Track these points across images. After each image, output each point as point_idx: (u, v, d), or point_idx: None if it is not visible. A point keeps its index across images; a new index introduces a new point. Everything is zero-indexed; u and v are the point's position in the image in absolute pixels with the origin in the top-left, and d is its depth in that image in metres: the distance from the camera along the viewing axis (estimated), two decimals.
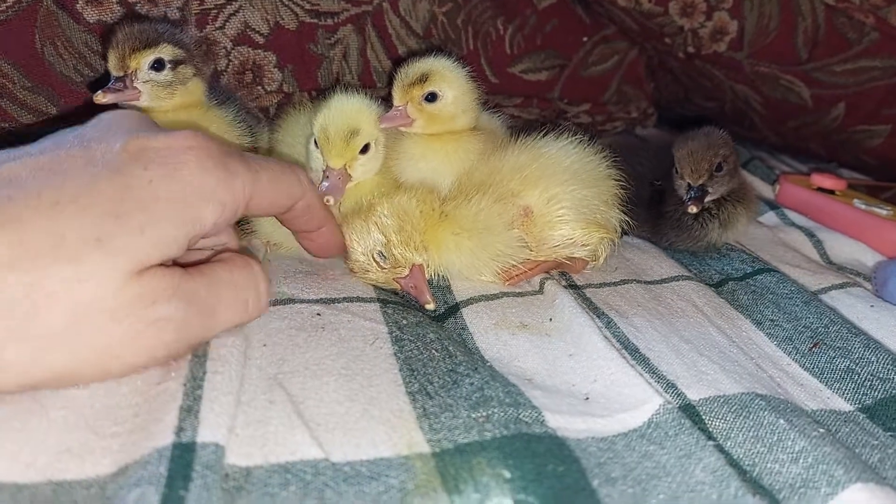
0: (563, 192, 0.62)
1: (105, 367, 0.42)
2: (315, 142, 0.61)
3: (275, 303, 0.55)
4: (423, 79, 0.63)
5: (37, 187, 0.40)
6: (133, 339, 0.42)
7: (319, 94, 0.81)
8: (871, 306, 0.63)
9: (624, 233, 0.76)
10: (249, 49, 0.79)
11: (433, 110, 0.63)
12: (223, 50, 0.78)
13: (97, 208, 0.41)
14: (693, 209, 0.68)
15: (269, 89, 0.81)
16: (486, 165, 0.64)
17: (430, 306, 0.60)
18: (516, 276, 0.63)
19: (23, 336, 0.39)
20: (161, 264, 0.43)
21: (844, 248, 0.77)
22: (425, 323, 0.55)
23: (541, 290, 0.63)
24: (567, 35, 0.95)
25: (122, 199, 0.41)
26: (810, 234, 0.80)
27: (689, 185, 0.69)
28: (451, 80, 0.64)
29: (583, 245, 0.64)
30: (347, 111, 0.62)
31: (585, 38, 0.96)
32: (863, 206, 0.79)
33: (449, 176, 0.64)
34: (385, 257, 0.59)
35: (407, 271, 0.60)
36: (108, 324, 0.41)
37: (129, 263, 0.41)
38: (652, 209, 0.74)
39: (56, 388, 0.42)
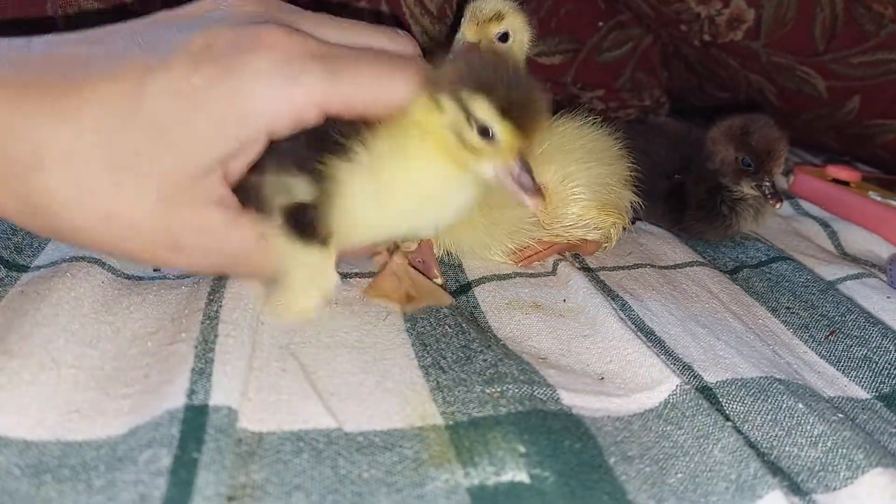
0: (578, 171, 0.62)
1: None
2: None
3: None
4: (499, 17, 0.62)
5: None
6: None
7: None
8: (888, 297, 0.62)
9: (637, 219, 0.75)
10: None
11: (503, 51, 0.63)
12: None
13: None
14: (780, 205, 0.66)
15: None
16: None
17: (438, 281, 0.59)
18: (529, 256, 0.62)
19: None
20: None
21: (859, 239, 0.76)
22: None
23: (554, 272, 0.62)
24: (582, 19, 0.94)
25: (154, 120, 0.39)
26: (825, 225, 0.79)
27: (766, 180, 0.67)
28: (521, 24, 0.64)
29: (596, 228, 0.63)
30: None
31: (601, 24, 0.95)
32: (878, 198, 0.79)
33: None
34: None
35: (415, 246, 0.59)
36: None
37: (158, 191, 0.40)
38: (671, 202, 0.73)
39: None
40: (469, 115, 0.43)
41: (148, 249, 0.42)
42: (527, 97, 0.43)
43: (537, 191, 0.44)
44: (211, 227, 0.42)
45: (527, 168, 0.44)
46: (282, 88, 0.41)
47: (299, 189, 0.44)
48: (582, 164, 0.62)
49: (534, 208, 0.45)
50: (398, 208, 0.46)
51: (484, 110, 0.42)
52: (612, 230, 0.65)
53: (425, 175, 0.46)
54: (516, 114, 0.42)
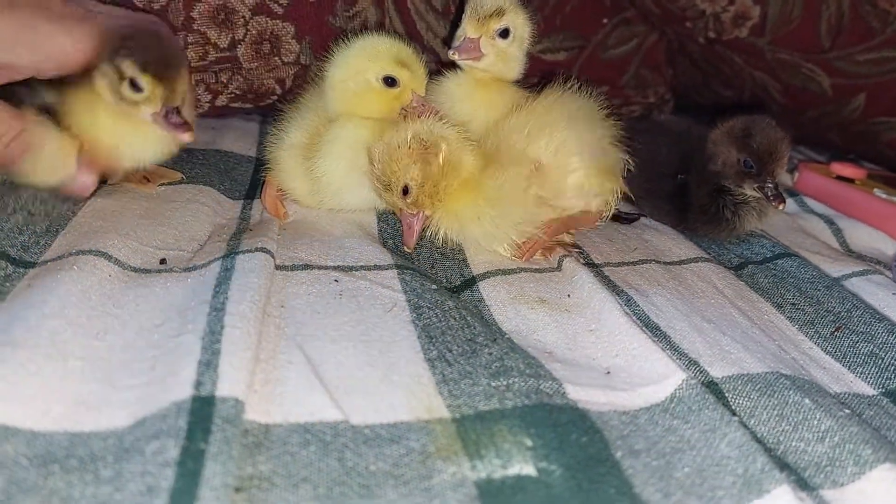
0: (570, 140, 0.62)
1: None
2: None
3: (292, 268, 0.54)
4: (499, 13, 0.63)
5: None
6: None
7: None
8: (894, 294, 0.62)
9: (642, 214, 0.75)
10: (268, 19, 0.78)
11: (503, 46, 0.64)
12: (241, 19, 0.77)
13: None
14: (783, 206, 0.66)
15: (286, 60, 0.80)
16: (496, 131, 0.64)
17: (408, 250, 0.62)
18: (531, 247, 0.62)
19: None
20: None
21: (864, 237, 0.76)
22: (443, 292, 0.54)
23: (559, 268, 0.62)
24: (587, 16, 0.94)
25: None
26: (829, 222, 0.79)
27: (769, 182, 0.66)
28: (521, 20, 0.65)
29: (596, 194, 0.64)
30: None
31: (605, 20, 0.95)
32: (883, 196, 0.79)
33: (484, 122, 0.65)
34: (408, 192, 0.59)
35: (414, 211, 0.60)
36: None
37: None
38: (675, 201, 0.72)
39: None
40: (122, 75, 0.54)
41: None
42: (161, 55, 0.56)
43: (184, 125, 0.57)
44: None
45: (173, 110, 0.56)
46: None
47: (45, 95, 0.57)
48: (571, 133, 0.62)
49: (184, 140, 0.58)
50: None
51: (130, 68, 0.54)
52: (611, 198, 0.65)
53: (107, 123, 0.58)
54: (154, 68, 0.55)
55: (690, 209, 0.71)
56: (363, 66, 0.62)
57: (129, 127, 0.58)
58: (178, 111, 0.57)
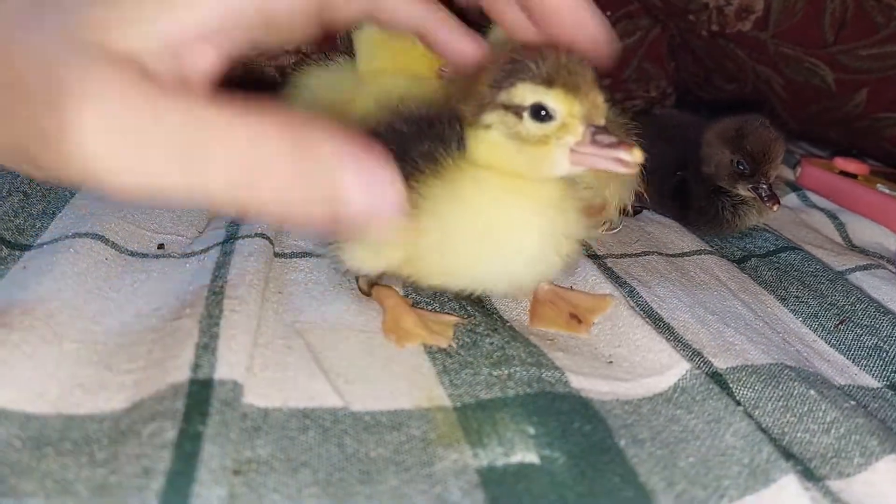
0: None
1: None
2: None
3: (291, 255, 0.54)
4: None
5: None
6: None
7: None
8: None
9: (644, 207, 0.74)
10: None
11: None
12: None
13: None
14: (777, 207, 0.65)
15: (286, 49, 0.80)
16: None
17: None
18: None
19: None
20: None
21: (867, 231, 0.76)
22: None
23: None
24: None
25: None
26: (832, 217, 0.78)
27: (762, 182, 0.65)
28: None
29: (587, 186, 0.59)
30: None
31: (608, 13, 0.94)
32: (886, 191, 0.78)
33: None
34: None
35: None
36: None
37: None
38: (677, 198, 0.72)
39: None
40: (516, 109, 0.38)
41: None
42: (563, 59, 0.38)
43: (625, 144, 0.37)
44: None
45: (601, 128, 0.38)
46: None
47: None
48: None
49: (634, 160, 0.37)
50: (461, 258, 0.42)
51: (528, 91, 0.38)
52: (607, 193, 0.64)
53: (486, 214, 0.40)
54: (562, 77, 0.37)
55: (690, 209, 0.71)
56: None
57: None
58: (606, 129, 0.38)
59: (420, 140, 0.40)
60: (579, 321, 0.50)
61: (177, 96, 0.28)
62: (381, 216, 0.31)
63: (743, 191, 0.67)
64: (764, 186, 0.65)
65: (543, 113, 0.38)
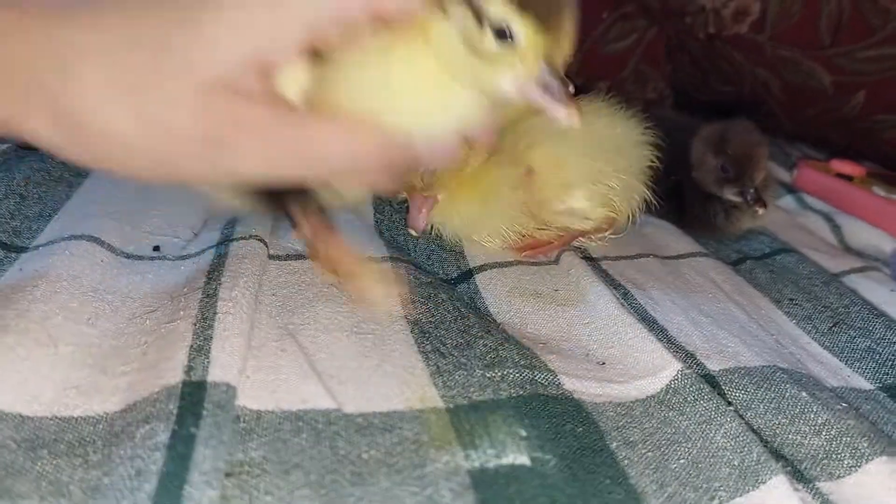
0: (571, 157, 0.60)
1: None
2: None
3: (285, 257, 0.54)
4: None
5: None
6: None
7: None
8: (892, 290, 0.62)
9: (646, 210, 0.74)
10: None
11: None
12: None
13: None
14: (763, 210, 0.65)
15: None
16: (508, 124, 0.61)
17: (415, 234, 0.59)
18: (532, 248, 0.62)
19: None
20: None
21: (862, 234, 0.76)
22: (437, 284, 0.53)
23: (556, 261, 0.61)
24: (586, 10, 0.93)
25: None
26: (828, 219, 0.79)
27: (747, 186, 0.66)
28: None
29: (585, 217, 0.61)
30: None
31: (605, 15, 0.94)
32: (882, 193, 0.78)
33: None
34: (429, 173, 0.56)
35: (427, 193, 0.58)
36: None
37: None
38: (673, 201, 0.71)
39: None
40: (481, 16, 0.35)
41: (190, 150, 0.37)
42: None
43: (570, 101, 0.36)
44: (252, 122, 0.37)
45: (555, 74, 0.36)
46: None
47: None
48: (575, 151, 0.60)
49: (568, 123, 0.37)
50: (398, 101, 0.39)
51: (500, 5, 0.35)
52: (616, 222, 0.64)
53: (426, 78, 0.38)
54: (538, 7, 0.35)
55: (685, 213, 0.71)
56: None
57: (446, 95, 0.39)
58: (561, 79, 0.37)
59: None
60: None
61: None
62: None
63: (730, 195, 0.67)
64: (750, 191, 0.65)
65: (507, 33, 0.35)
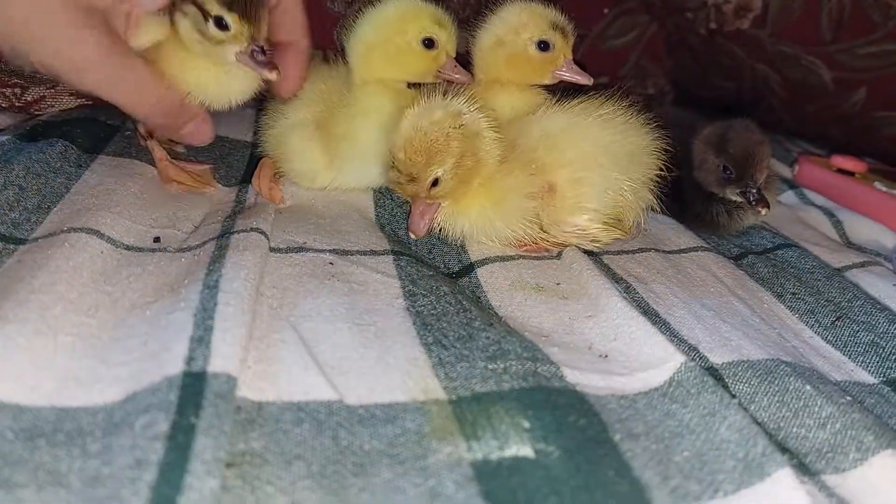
0: (591, 178, 0.59)
1: None
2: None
3: (286, 249, 0.53)
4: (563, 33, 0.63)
5: None
6: None
7: (337, 52, 0.79)
8: (894, 284, 0.62)
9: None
10: None
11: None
12: None
13: None
14: (766, 210, 0.65)
15: None
16: (516, 126, 0.61)
17: (415, 237, 0.60)
18: (533, 246, 0.61)
19: None
20: None
21: (864, 229, 0.76)
22: (439, 277, 0.53)
23: (558, 255, 0.61)
24: (587, 5, 0.93)
25: None
26: (829, 214, 0.78)
27: (750, 186, 0.65)
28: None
29: (593, 240, 0.61)
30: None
31: (606, 10, 0.94)
32: (883, 188, 0.78)
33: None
34: (438, 181, 0.56)
35: (430, 201, 0.58)
36: None
37: None
38: (675, 200, 0.71)
39: None
40: (206, 14, 0.54)
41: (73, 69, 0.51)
42: None
43: (272, 63, 0.56)
44: (95, 42, 0.51)
45: (260, 48, 0.55)
46: None
47: None
48: (596, 169, 0.59)
49: (271, 78, 0.56)
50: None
51: (215, 6, 0.53)
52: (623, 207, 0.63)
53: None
54: (239, 5, 0.53)
55: (687, 212, 0.71)
56: (403, 26, 0.60)
57: (211, 68, 0.57)
58: (262, 50, 0.55)
59: None
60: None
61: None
62: None
63: (732, 195, 0.67)
64: (752, 191, 0.65)
65: (223, 23, 0.54)
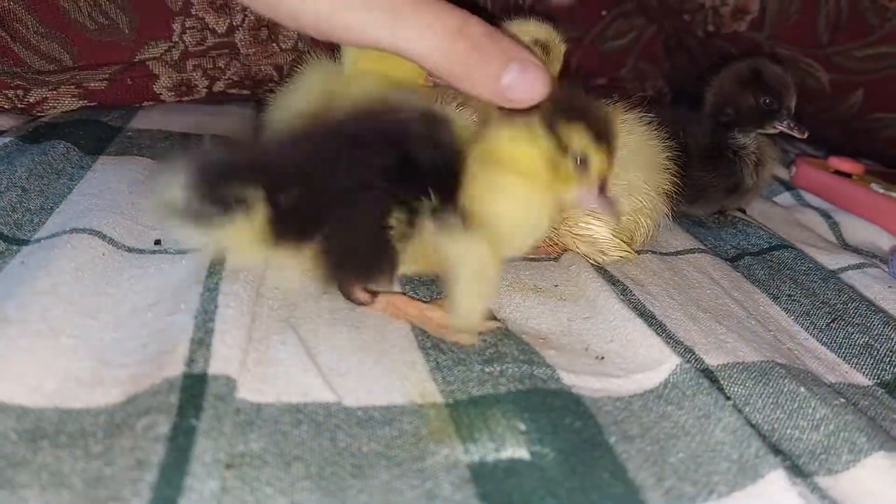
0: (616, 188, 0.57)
1: None
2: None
3: None
4: (545, 50, 0.62)
5: None
6: None
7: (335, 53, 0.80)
8: (889, 287, 0.62)
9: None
10: None
11: None
12: (239, 4, 0.77)
13: None
14: (806, 134, 0.67)
15: (283, 47, 0.80)
16: None
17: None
18: (539, 249, 0.61)
19: None
20: None
21: (860, 231, 0.76)
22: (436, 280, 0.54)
23: (556, 258, 0.62)
24: (585, 7, 0.93)
25: None
26: (826, 216, 0.79)
27: (787, 115, 0.67)
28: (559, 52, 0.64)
29: (602, 251, 0.61)
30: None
31: (604, 12, 0.94)
32: (880, 190, 0.78)
33: None
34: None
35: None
36: None
37: None
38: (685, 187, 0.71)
39: None
40: (565, 145, 0.45)
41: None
42: (609, 123, 0.46)
43: (615, 208, 0.48)
44: None
45: (605, 188, 0.47)
46: None
47: None
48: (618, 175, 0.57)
49: (615, 224, 0.53)
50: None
51: (581, 140, 0.45)
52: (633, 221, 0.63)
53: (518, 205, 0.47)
54: (605, 142, 0.46)
55: (689, 167, 0.69)
56: None
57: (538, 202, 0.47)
58: (604, 189, 0.47)
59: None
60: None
61: None
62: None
63: (770, 129, 0.68)
64: (791, 120, 0.68)
65: (583, 160, 0.46)
